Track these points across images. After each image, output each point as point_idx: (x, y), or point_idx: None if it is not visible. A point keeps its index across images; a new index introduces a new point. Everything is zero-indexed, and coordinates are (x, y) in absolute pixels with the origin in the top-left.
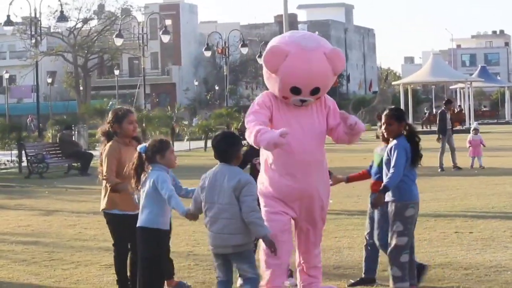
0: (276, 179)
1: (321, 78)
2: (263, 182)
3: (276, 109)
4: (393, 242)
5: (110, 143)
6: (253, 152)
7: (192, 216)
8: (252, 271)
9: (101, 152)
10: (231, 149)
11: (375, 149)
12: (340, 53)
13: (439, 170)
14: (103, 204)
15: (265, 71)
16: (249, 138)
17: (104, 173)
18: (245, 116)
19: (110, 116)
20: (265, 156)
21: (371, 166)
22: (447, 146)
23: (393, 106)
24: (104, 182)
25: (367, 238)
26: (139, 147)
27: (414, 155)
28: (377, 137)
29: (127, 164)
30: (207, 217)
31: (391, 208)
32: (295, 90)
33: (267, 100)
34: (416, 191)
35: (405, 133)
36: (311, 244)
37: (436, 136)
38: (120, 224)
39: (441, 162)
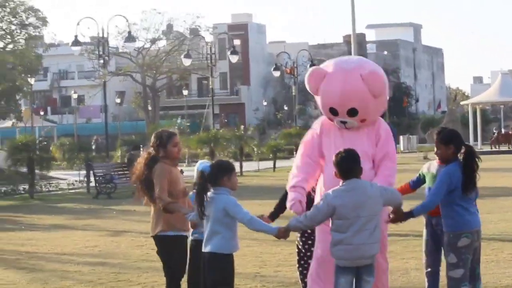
0: None
1: (355, 98)
2: None
3: (326, 135)
4: (449, 275)
5: (158, 164)
6: None
7: (284, 233)
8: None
9: (138, 175)
10: (356, 164)
11: (426, 167)
12: (377, 75)
13: None
14: (157, 227)
15: (316, 99)
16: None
17: (157, 192)
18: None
19: (153, 139)
20: (320, 184)
21: (412, 181)
22: None
23: (442, 127)
24: (153, 205)
25: (426, 263)
26: (201, 167)
27: (467, 182)
28: (425, 158)
29: (176, 184)
30: (348, 232)
31: (445, 238)
32: (333, 111)
33: (317, 127)
34: (473, 219)
35: (461, 157)
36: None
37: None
38: (177, 246)
39: None
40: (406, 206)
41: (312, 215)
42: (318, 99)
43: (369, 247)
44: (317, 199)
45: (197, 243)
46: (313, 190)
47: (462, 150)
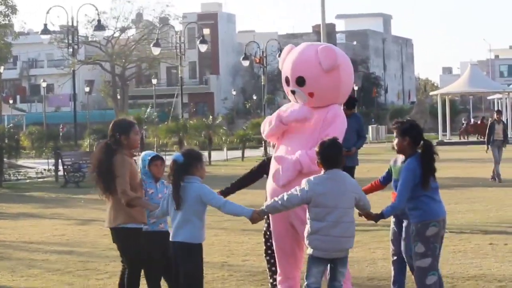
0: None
1: (305, 67)
2: None
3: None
4: (416, 264)
5: (118, 155)
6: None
7: (259, 215)
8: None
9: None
10: (340, 154)
11: (393, 161)
12: (329, 50)
13: (496, 180)
14: (117, 219)
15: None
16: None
17: (121, 186)
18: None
19: (114, 127)
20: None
21: (383, 177)
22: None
23: (400, 119)
24: (111, 197)
25: (393, 252)
26: (175, 156)
27: (425, 177)
28: (393, 148)
29: (136, 177)
30: (325, 221)
31: (412, 228)
32: (287, 81)
33: (284, 106)
34: (439, 208)
35: (420, 151)
36: None
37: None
38: (137, 238)
39: (497, 172)
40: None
41: (291, 198)
42: (284, 79)
43: (345, 241)
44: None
45: (148, 234)
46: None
47: (420, 144)
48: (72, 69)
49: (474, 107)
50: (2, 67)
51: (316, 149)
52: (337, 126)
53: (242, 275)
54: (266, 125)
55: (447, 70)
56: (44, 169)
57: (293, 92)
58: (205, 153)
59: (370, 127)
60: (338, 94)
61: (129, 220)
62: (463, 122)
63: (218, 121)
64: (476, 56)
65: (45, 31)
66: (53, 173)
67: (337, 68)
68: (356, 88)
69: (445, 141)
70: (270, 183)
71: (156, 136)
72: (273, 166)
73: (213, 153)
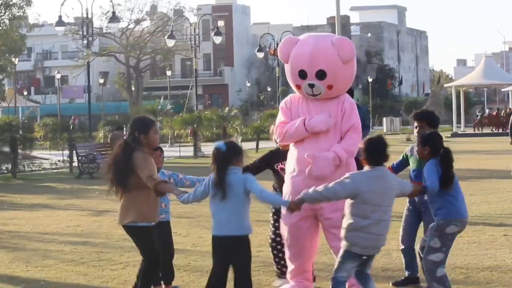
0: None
1: (325, 60)
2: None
3: (295, 107)
4: (429, 258)
5: (138, 152)
6: (276, 157)
7: (297, 205)
8: None
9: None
10: (386, 151)
11: (409, 150)
12: (346, 41)
13: None
14: (127, 217)
15: (285, 69)
16: (285, 135)
17: (147, 173)
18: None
19: (134, 125)
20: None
21: (396, 163)
22: None
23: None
24: (125, 194)
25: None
26: (218, 144)
27: (445, 177)
28: (408, 139)
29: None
30: (370, 219)
31: (433, 224)
32: (302, 74)
33: (288, 101)
34: (462, 208)
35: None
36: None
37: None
38: (149, 235)
39: None
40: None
41: (335, 190)
42: (287, 66)
43: (383, 238)
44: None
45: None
46: (281, 168)
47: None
48: (86, 60)
49: (488, 99)
50: (17, 59)
51: (362, 145)
52: (357, 115)
53: (257, 266)
54: (277, 133)
55: (462, 62)
56: (59, 160)
57: (311, 85)
58: None
59: (384, 119)
60: (349, 84)
61: (139, 218)
62: (477, 114)
63: (233, 113)
64: (491, 48)
65: (60, 23)
66: (68, 164)
67: (352, 59)
68: (370, 80)
69: (459, 132)
70: (295, 179)
71: (170, 127)
72: (303, 163)
73: None
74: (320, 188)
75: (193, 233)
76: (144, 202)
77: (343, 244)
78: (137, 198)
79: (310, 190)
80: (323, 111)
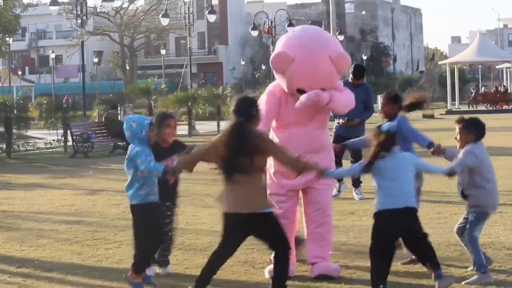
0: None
1: (325, 80)
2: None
3: (285, 102)
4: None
5: (255, 131)
6: None
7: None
8: None
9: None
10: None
11: None
12: (345, 58)
13: None
14: (265, 203)
15: (279, 75)
16: None
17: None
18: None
19: (253, 103)
20: None
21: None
22: None
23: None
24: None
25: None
26: (388, 126)
27: None
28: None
29: None
30: (492, 182)
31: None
32: (301, 91)
33: (279, 94)
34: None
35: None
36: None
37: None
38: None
39: None
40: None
41: (465, 163)
42: (283, 78)
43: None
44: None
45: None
46: None
47: None
48: (80, 40)
49: (483, 76)
50: (11, 39)
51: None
52: (347, 91)
53: (251, 244)
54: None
55: (456, 40)
56: (53, 140)
57: None
58: (214, 123)
59: (378, 97)
60: None
61: (268, 205)
62: (472, 91)
63: (227, 91)
64: (485, 26)
65: (54, 2)
66: (62, 144)
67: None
68: (365, 57)
69: (454, 110)
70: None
71: (165, 106)
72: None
73: (222, 123)
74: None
75: (186, 211)
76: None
77: (474, 209)
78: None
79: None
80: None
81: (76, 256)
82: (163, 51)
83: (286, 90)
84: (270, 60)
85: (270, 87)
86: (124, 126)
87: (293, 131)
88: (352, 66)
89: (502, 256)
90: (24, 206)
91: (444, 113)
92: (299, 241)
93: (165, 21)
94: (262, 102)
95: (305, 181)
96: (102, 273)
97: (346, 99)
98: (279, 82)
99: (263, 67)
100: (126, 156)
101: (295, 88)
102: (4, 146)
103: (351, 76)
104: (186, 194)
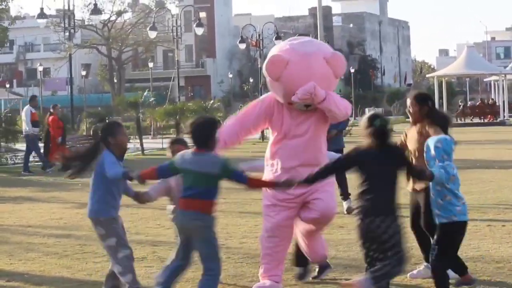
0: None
1: (322, 82)
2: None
3: (277, 111)
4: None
5: None
6: None
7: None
8: None
9: None
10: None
11: None
12: (340, 57)
13: None
14: None
15: (272, 84)
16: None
17: None
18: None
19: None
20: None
21: None
22: None
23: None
24: None
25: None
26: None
27: None
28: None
29: None
30: None
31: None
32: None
33: (265, 101)
34: None
35: None
36: None
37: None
38: None
39: None
40: None
41: None
42: (277, 85)
43: None
44: (267, 170)
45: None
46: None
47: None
48: (68, 53)
49: (470, 89)
50: None
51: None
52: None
53: (240, 257)
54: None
55: (444, 52)
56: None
57: (308, 105)
58: None
59: (367, 110)
60: None
61: None
62: (460, 104)
63: (216, 105)
64: (473, 38)
65: (42, 15)
66: None
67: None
68: (352, 70)
69: None
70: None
71: (152, 119)
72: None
73: None
74: None
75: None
76: None
77: None
78: None
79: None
80: (307, 118)
81: (65, 269)
82: (150, 64)
83: (281, 100)
84: (265, 65)
85: (262, 96)
86: None
87: (288, 142)
88: None
89: (491, 270)
90: (12, 219)
91: None
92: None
93: (152, 34)
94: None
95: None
96: (92, 286)
97: (343, 103)
98: (272, 94)
99: (251, 80)
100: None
101: (291, 93)
102: None
103: None
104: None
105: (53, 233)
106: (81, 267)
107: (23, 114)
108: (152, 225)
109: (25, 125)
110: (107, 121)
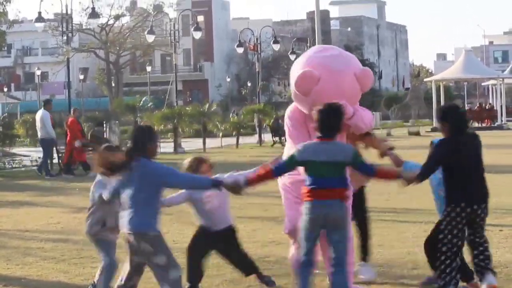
0: None
1: (351, 99)
2: None
3: (301, 125)
4: None
5: None
6: None
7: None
8: None
9: None
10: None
11: None
12: (370, 74)
13: None
14: None
15: (300, 98)
16: None
17: None
18: (288, 133)
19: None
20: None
21: None
22: None
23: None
24: None
25: None
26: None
27: None
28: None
29: None
30: None
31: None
32: None
33: (299, 116)
34: None
35: None
36: None
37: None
38: None
39: None
40: None
41: None
42: (305, 99)
43: None
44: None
45: None
46: None
47: None
48: (66, 57)
49: (468, 93)
50: None
51: None
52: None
53: None
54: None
55: (442, 56)
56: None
57: None
58: (200, 141)
59: None
60: None
61: None
62: None
63: (213, 109)
64: (471, 42)
65: (39, 19)
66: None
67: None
68: None
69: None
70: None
71: (150, 123)
72: None
73: (208, 140)
74: None
75: (173, 229)
76: None
77: None
78: None
79: None
80: None
81: (62, 274)
82: (148, 68)
83: (306, 112)
84: (295, 81)
85: (289, 112)
86: None
87: None
88: None
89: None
90: (10, 223)
91: (430, 130)
92: None
93: (150, 38)
94: (287, 129)
95: None
96: None
97: (368, 117)
98: (296, 106)
99: (249, 84)
100: None
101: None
102: None
103: None
104: (172, 211)
105: (51, 237)
106: (79, 272)
107: (38, 118)
108: None
109: (43, 130)
110: (140, 125)
